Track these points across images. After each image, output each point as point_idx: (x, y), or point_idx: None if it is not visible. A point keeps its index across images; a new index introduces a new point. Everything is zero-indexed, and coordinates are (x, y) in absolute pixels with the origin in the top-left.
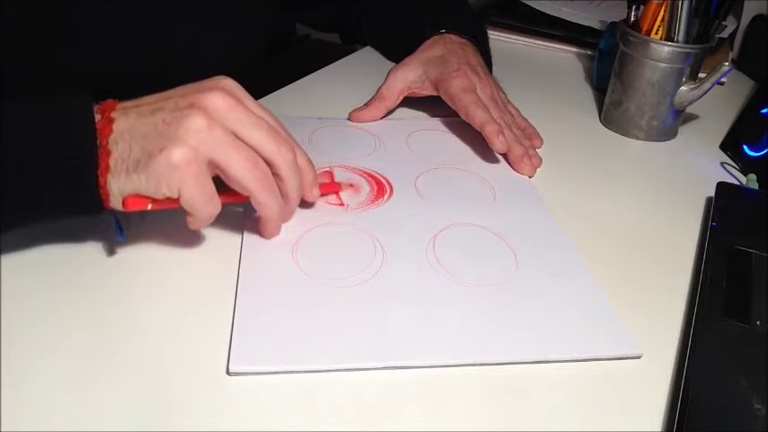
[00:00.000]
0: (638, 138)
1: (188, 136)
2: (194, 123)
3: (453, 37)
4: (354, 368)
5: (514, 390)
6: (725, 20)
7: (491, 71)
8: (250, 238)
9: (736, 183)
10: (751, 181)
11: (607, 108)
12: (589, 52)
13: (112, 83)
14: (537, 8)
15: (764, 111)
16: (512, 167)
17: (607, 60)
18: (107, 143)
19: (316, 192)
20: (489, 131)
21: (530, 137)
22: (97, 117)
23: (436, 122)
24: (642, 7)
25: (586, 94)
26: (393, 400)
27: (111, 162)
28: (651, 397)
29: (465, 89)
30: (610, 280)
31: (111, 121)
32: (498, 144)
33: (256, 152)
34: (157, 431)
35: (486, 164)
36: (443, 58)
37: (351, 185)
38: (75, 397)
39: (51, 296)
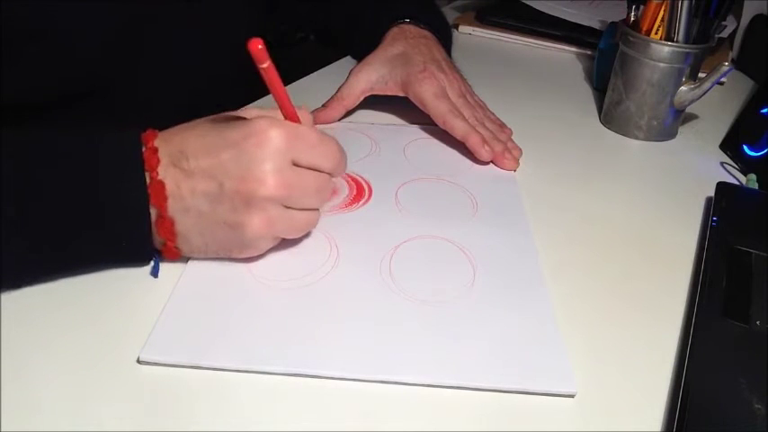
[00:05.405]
0: (637, 138)
1: (256, 241)
2: (257, 231)
3: (413, 29)
4: (260, 371)
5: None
6: (725, 20)
7: (450, 53)
8: None
9: (736, 183)
10: (751, 181)
11: (607, 108)
12: (589, 52)
13: (109, 86)
14: (537, 8)
15: (764, 111)
16: (496, 166)
17: (607, 60)
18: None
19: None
20: (473, 143)
21: (501, 128)
22: (153, 212)
23: (440, 130)
24: (642, 7)
25: (586, 94)
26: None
27: (186, 249)
28: (651, 397)
29: (437, 95)
30: (609, 279)
31: (172, 223)
32: (485, 154)
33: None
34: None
35: (479, 178)
36: (407, 56)
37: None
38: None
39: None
